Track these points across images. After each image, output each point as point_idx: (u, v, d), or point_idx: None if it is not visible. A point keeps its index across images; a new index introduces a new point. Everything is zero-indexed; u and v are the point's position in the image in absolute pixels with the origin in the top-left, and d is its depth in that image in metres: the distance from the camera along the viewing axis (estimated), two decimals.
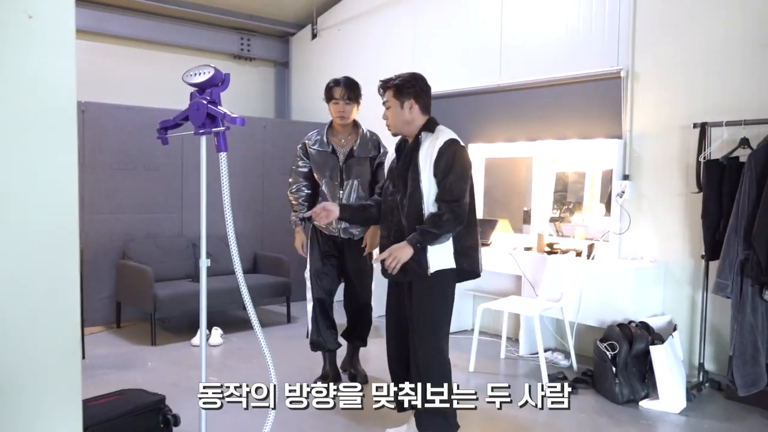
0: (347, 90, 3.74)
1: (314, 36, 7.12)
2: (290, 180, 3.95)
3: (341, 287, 4.06)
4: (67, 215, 1.08)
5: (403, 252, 2.81)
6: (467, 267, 2.95)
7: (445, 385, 2.78)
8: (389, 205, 3.04)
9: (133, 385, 3.62)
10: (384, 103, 3.03)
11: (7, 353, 1.10)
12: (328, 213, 3.07)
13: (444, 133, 2.95)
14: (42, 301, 1.11)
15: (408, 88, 2.98)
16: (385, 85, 3.03)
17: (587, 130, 4.69)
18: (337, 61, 6.86)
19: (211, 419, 2.71)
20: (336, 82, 3.79)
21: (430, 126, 2.99)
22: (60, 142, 1.07)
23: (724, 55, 4.00)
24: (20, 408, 1.12)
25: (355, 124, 3.87)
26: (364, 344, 4.09)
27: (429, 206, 2.88)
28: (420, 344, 2.93)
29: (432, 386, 2.77)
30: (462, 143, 2.96)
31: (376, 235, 3.62)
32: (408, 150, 2.98)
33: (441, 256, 2.90)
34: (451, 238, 2.90)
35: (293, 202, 3.92)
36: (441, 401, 2.78)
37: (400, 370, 3.12)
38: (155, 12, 6.56)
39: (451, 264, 2.91)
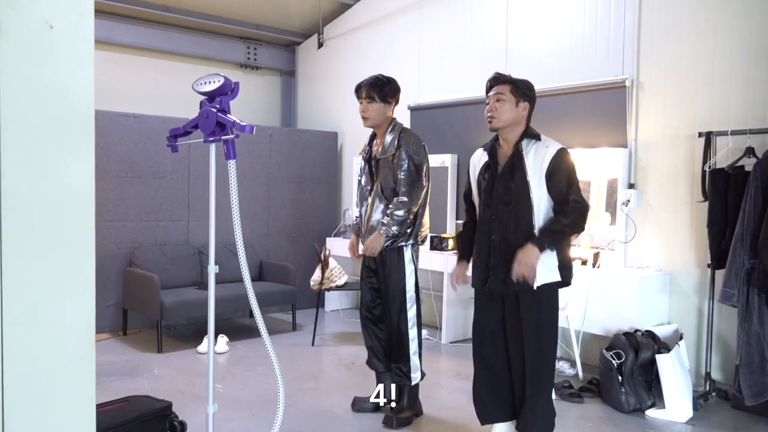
0: (368, 87, 3.49)
1: (320, 45, 7.17)
2: None
3: None
4: (84, 222, 1.10)
5: (531, 255, 2.73)
6: (565, 279, 2.89)
7: (552, 397, 2.89)
8: (487, 217, 2.92)
9: (139, 392, 3.64)
10: (494, 96, 2.91)
11: (23, 359, 1.12)
12: (462, 277, 3.11)
13: (553, 142, 2.89)
14: (58, 306, 1.13)
15: (528, 90, 2.92)
16: (502, 79, 2.94)
17: (592, 139, 4.70)
18: (343, 71, 6.91)
19: (217, 426, 2.72)
20: (362, 81, 3.57)
21: (533, 134, 2.90)
22: (78, 150, 1.09)
23: (729, 65, 4.01)
24: (34, 413, 1.13)
25: (393, 125, 3.56)
26: (401, 382, 3.53)
27: (540, 218, 2.80)
28: (530, 360, 2.85)
29: (541, 398, 2.86)
30: (568, 150, 2.89)
31: (374, 240, 3.44)
32: (511, 158, 2.88)
33: (547, 269, 2.81)
34: (555, 251, 2.81)
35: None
36: (547, 412, 2.89)
37: (484, 388, 3.03)
38: (162, 21, 6.62)
39: (556, 277, 2.85)
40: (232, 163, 2.39)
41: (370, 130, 3.70)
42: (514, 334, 2.91)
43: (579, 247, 4.77)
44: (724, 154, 3.89)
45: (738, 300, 3.52)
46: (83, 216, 1.08)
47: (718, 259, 3.79)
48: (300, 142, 6.63)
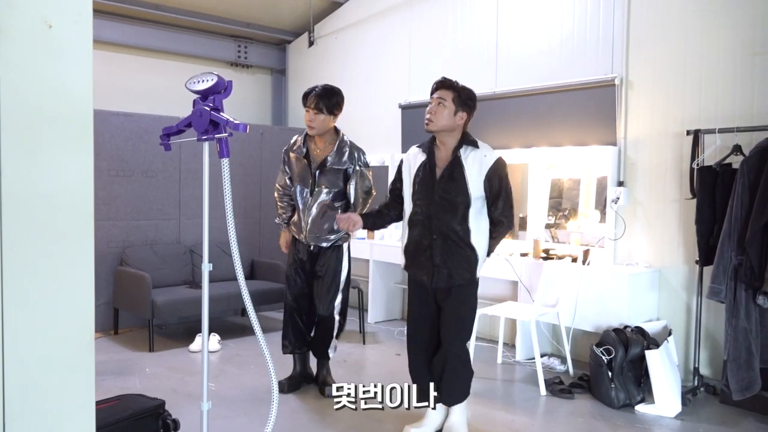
0: (317, 99, 3.68)
1: (311, 44, 7.16)
2: (277, 184, 4.02)
3: None
4: (83, 220, 1.10)
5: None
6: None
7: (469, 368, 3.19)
8: (424, 217, 3.09)
9: (131, 391, 3.63)
10: (437, 99, 3.06)
11: (23, 356, 1.12)
12: (353, 223, 3.23)
13: (489, 150, 3.10)
14: (58, 303, 1.14)
15: (469, 100, 3.09)
16: (447, 84, 3.08)
17: (582, 137, 4.74)
18: (333, 69, 6.91)
19: (210, 424, 2.72)
20: (311, 90, 3.75)
21: (471, 141, 3.09)
22: (77, 149, 1.10)
23: (716, 63, 4.05)
24: (35, 410, 1.14)
25: (336, 133, 3.83)
26: (324, 358, 3.97)
27: (473, 216, 3.04)
28: (453, 342, 3.12)
29: (463, 374, 3.13)
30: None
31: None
32: (450, 164, 3.06)
33: (483, 262, 3.13)
34: (487, 248, 3.13)
35: (278, 206, 4.01)
36: (466, 388, 3.17)
37: (425, 371, 3.22)
38: (153, 20, 6.59)
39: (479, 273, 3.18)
40: (225, 162, 2.40)
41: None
42: (447, 322, 3.14)
43: (568, 244, 4.81)
44: (712, 152, 3.93)
45: (725, 296, 3.56)
46: (82, 214, 1.09)
47: (706, 256, 3.83)
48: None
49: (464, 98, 3.07)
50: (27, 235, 1.09)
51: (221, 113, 2.37)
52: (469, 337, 3.25)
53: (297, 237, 3.90)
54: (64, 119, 1.09)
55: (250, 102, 7.55)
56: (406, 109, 6.06)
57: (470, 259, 3.07)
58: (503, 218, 3.10)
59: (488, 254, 3.17)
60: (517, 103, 5.14)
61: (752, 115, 3.86)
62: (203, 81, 2.37)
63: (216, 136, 2.36)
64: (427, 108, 3.08)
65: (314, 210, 3.77)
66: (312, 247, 3.85)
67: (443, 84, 3.10)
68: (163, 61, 6.81)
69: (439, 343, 3.20)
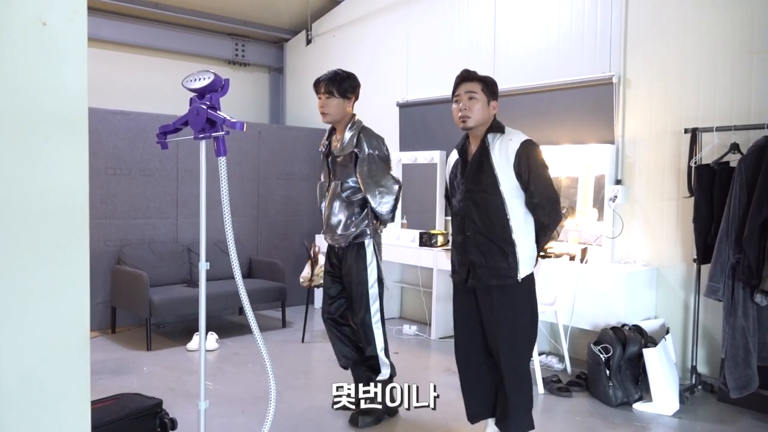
0: (327, 83, 3.44)
1: (309, 42, 7.15)
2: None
3: None
4: (78, 219, 1.10)
5: None
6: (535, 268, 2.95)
7: (531, 393, 2.90)
8: (462, 211, 2.89)
9: (129, 389, 3.62)
10: (466, 93, 2.85)
11: (18, 355, 1.12)
12: None
13: (517, 134, 2.85)
14: (53, 302, 1.13)
15: (495, 87, 2.92)
16: (473, 77, 2.89)
17: (580, 136, 4.74)
18: (331, 67, 6.78)
19: (208, 423, 2.72)
20: (322, 75, 3.52)
21: (498, 127, 2.88)
22: (72, 147, 1.10)
23: (714, 62, 4.05)
24: (30, 409, 1.14)
25: (353, 122, 3.49)
26: (374, 373, 3.47)
27: (512, 208, 2.79)
28: (503, 355, 2.85)
29: (521, 394, 2.87)
30: (535, 142, 2.87)
31: None
32: (478, 154, 2.86)
33: (529, 261, 2.84)
34: (535, 243, 2.87)
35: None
36: (526, 408, 2.89)
37: (473, 379, 3.02)
38: (151, 18, 6.58)
39: (533, 268, 2.88)
40: (222, 160, 2.39)
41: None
42: (492, 330, 2.88)
43: (566, 242, 4.81)
44: (710, 150, 3.93)
45: (723, 294, 3.56)
46: (77, 212, 1.08)
47: (703, 254, 3.83)
48: (289, 139, 6.62)
49: (491, 86, 2.90)
50: (21, 233, 1.08)
51: (218, 111, 2.36)
52: (525, 350, 2.91)
53: (326, 240, 3.59)
54: (59, 117, 1.08)
55: (247, 100, 7.54)
56: (404, 107, 6.05)
57: (509, 256, 2.78)
58: (539, 209, 2.80)
59: (538, 252, 2.90)
60: (515, 101, 5.13)
61: (750, 114, 3.86)
62: (200, 79, 2.36)
63: (213, 134, 2.35)
64: (457, 106, 2.87)
65: (330, 205, 3.46)
66: (337, 249, 3.52)
67: (468, 76, 2.89)
68: (161, 60, 6.80)
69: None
